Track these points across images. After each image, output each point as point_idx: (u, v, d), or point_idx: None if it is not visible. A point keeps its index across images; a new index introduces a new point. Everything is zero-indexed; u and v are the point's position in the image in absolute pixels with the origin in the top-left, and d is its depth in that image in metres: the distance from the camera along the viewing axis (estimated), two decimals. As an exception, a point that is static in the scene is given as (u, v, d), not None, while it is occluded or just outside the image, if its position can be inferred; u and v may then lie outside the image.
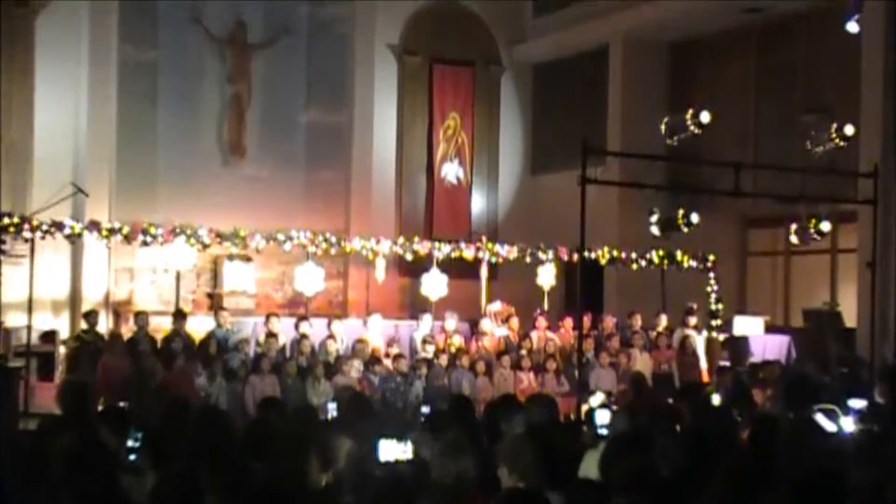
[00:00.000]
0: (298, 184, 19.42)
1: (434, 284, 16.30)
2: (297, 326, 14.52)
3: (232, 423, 6.64)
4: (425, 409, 10.23)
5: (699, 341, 15.90)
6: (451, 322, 15.55)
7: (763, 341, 16.21)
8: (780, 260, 19.02)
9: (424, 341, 14.81)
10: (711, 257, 17.19)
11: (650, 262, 16.94)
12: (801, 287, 18.48)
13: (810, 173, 14.70)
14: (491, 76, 21.26)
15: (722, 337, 16.54)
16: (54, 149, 17.18)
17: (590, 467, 5.93)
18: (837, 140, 13.75)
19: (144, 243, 15.00)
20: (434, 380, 14.04)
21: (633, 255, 16.87)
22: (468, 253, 16.53)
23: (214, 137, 19.04)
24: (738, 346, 15.98)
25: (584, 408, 10.78)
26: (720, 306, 16.99)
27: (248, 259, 17.35)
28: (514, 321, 16.09)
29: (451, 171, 20.75)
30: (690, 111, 13.13)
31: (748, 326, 16.55)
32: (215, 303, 17.16)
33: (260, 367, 13.26)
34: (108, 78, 17.79)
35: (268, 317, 14.71)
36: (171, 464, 5.55)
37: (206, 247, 15.49)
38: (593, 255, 16.35)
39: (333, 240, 15.81)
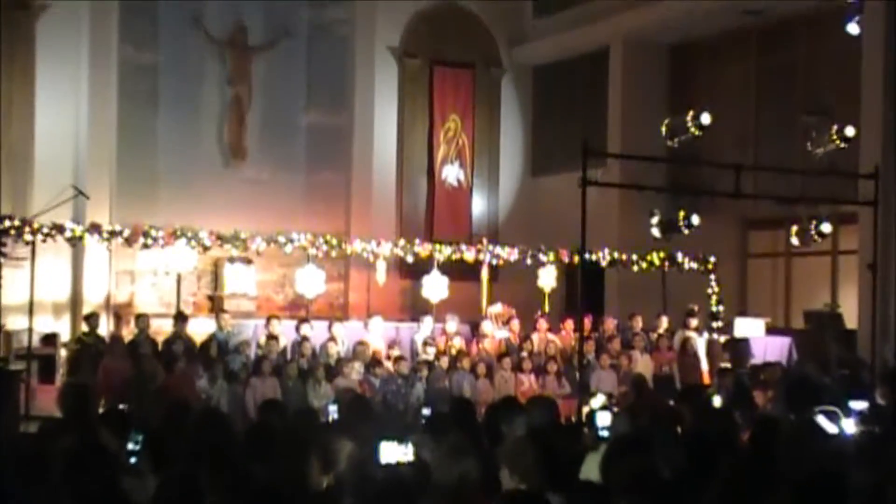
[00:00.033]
0: (299, 186, 19.42)
1: (435, 286, 16.31)
2: (297, 329, 14.53)
3: (233, 425, 6.65)
4: (426, 412, 10.20)
5: (700, 343, 15.90)
6: (452, 324, 15.55)
7: (764, 343, 16.21)
8: (780, 261, 19.02)
9: (425, 343, 14.81)
10: (712, 259, 17.20)
11: (651, 263, 16.95)
12: (802, 289, 18.48)
13: (811, 175, 14.71)
14: (491, 78, 21.26)
15: (723, 339, 16.53)
16: (55, 151, 17.18)
17: (591, 469, 5.93)
18: (838, 141, 13.75)
19: (145, 246, 15.01)
20: (435, 382, 14.04)
21: (634, 257, 16.88)
22: (469, 255, 16.54)
23: (215, 140, 19.04)
24: (738, 348, 15.98)
25: (585, 410, 10.79)
26: (721, 308, 17.00)
27: (248, 261, 17.34)
28: (515, 323, 16.08)
29: (451, 173, 20.75)
30: (691, 113, 13.13)
31: (749, 328, 16.55)
32: (216, 305, 17.16)
33: (261, 369, 13.26)
34: (108, 80, 17.78)
35: (269, 319, 14.71)
36: (172, 466, 5.55)
37: (206, 249, 15.50)
38: (594, 257, 16.36)
39: (334, 242, 15.83)
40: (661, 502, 5.03)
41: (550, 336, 15.81)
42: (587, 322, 15.13)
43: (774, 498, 4.87)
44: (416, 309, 17.60)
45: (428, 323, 15.48)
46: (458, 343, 15.31)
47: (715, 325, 16.78)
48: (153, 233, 14.80)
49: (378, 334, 15.01)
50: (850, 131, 13.78)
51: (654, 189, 14.48)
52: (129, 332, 15.48)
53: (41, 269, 14.71)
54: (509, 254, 16.67)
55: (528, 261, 16.79)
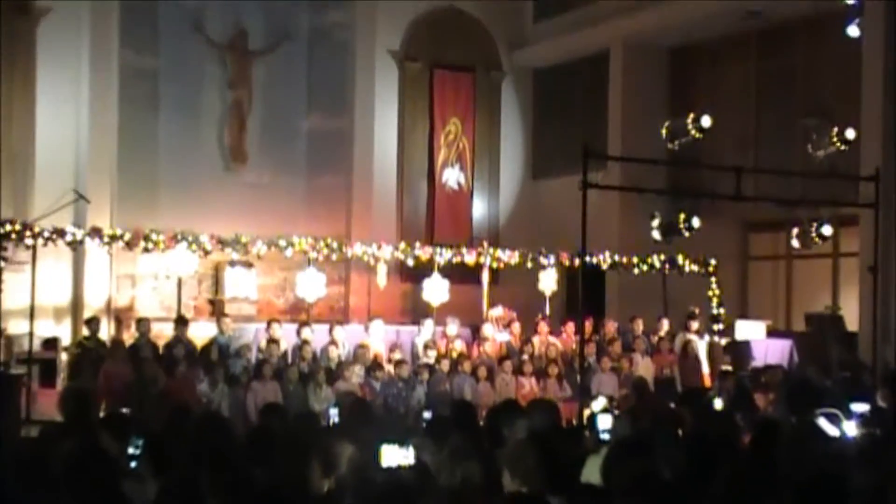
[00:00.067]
0: (300, 190, 19.44)
1: (435, 290, 16.30)
2: (298, 332, 14.53)
3: (233, 429, 6.65)
4: (427, 415, 10.20)
5: (701, 346, 15.90)
6: (453, 327, 15.55)
7: (765, 345, 16.21)
8: (781, 264, 19.02)
9: (426, 347, 14.82)
10: (713, 261, 17.20)
11: (651, 266, 16.95)
12: (803, 291, 18.47)
13: (811, 177, 14.72)
14: (491, 81, 21.26)
15: (724, 341, 16.52)
16: (55, 156, 17.19)
17: (592, 472, 5.92)
18: (838, 144, 13.77)
19: (146, 250, 15.02)
20: (436, 385, 14.04)
21: (635, 260, 16.88)
22: (469, 258, 16.54)
23: (215, 144, 19.06)
24: (739, 351, 15.98)
25: (586, 413, 10.79)
26: (722, 311, 16.99)
27: (249, 265, 17.33)
28: (516, 326, 16.09)
29: (452, 177, 20.75)
30: (691, 115, 13.15)
31: (750, 331, 16.55)
32: (217, 309, 17.15)
33: (262, 373, 13.26)
34: (109, 85, 17.80)
35: (269, 323, 14.71)
36: (173, 470, 5.55)
37: (207, 253, 15.51)
38: (594, 260, 16.35)
39: (335, 245, 15.83)
40: (661, 505, 5.02)
41: (551, 339, 15.81)
42: (588, 325, 15.13)
43: (775, 500, 4.87)
44: (416, 312, 17.59)
45: (429, 326, 15.48)
46: (458, 346, 15.31)
47: (716, 327, 16.77)
48: (154, 237, 14.81)
49: (379, 338, 15.02)
50: (850, 133, 13.80)
51: (655, 192, 14.47)
52: (129, 336, 15.47)
53: (42, 274, 14.71)
54: (510, 257, 16.67)
55: (529, 264, 16.79)
